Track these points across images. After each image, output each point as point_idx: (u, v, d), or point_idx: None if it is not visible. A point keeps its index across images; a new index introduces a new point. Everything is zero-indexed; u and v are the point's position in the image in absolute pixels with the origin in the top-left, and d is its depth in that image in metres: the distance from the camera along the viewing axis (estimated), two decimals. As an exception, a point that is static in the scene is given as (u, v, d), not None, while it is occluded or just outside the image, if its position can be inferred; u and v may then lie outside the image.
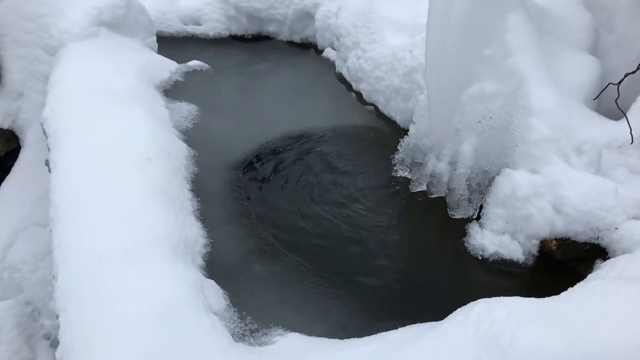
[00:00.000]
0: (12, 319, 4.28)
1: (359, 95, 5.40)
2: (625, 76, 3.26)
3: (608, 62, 3.59)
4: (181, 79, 5.08)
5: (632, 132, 3.20)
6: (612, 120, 3.35)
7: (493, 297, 2.31)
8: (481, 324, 2.14)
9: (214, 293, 2.70)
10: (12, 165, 4.94)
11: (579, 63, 3.49)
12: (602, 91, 3.43)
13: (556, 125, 3.23)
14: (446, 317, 2.37)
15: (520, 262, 3.23)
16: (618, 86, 3.29)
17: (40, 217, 4.44)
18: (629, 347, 1.96)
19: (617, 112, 3.32)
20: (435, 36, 3.54)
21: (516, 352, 1.98)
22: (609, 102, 3.39)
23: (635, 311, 2.10)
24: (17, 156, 4.98)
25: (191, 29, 6.95)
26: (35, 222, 4.63)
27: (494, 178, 3.44)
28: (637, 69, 3.23)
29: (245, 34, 7.08)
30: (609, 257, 2.98)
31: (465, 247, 3.40)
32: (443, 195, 3.77)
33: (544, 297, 2.36)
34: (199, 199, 3.47)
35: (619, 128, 3.28)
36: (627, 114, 3.27)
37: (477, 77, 3.48)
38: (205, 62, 5.59)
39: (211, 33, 6.96)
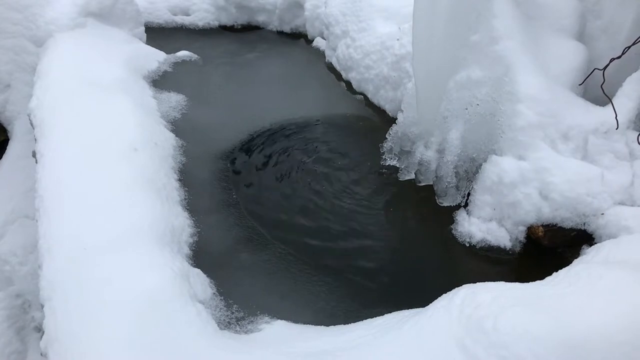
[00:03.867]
0: (3, 311, 4.27)
1: (348, 84, 5.40)
2: (611, 61, 3.26)
3: (594, 48, 3.58)
4: (170, 70, 5.05)
5: (618, 118, 3.20)
6: (598, 106, 3.35)
7: (478, 282, 2.33)
8: (465, 308, 2.15)
9: (200, 282, 2.70)
10: (0, 158, 4.91)
11: (566, 49, 3.48)
12: (588, 76, 3.42)
13: (543, 111, 3.22)
14: (432, 303, 2.38)
15: (508, 248, 3.24)
16: (603, 71, 3.29)
17: (29, 209, 4.42)
18: (612, 330, 1.97)
19: (603, 98, 3.32)
20: (422, 23, 3.52)
21: (499, 336, 1.99)
22: (595, 88, 3.39)
23: (619, 294, 2.11)
24: (5, 148, 4.96)
25: (180, 19, 6.92)
26: (24, 215, 4.61)
27: (481, 165, 3.44)
28: (622, 54, 3.23)
29: (235, 24, 7.05)
30: (596, 243, 2.98)
31: (452, 234, 3.41)
32: (431, 183, 3.77)
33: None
34: (187, 188, 3.46)
35: (605, 114, 3.27)
36: (612, 100, 3.27)
37: (464, 63, 3.48)
38: (194, 53, 5.56)
39: (200, 23, 6.93)
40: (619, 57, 3.24)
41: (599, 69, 3.33)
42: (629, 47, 3.23)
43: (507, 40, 3.33)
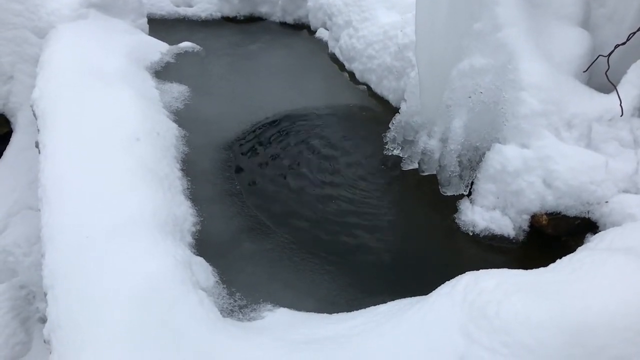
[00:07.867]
0: (7, 302, 4.29)
1: (351, 75, 5.39)
2: (615, 47, 3.23)
3: (599, 36, 3.55)
4: (172, 61, 5.04)
5: (622, 105, 3.17)
6: (602, 94, 3.32)
7: (481, 270, 2.31)
8: (468, 294, 2.14)
9: (203, 270, 2.70)
10: (3, 150, 4.93)
11: (570, 36, 3.45)
12: (592, 63, 3.39)
13: (546, 99, 3.20)
14: (435, 291, 2.37)
15: (511, 237, 3.22)
16: (608, 58, 3.25)
17: (33, 200, 4.43)
18: (615, 316, 1.96)
19: (607, 85, 3.29)
20: (425, 11, 3.51)
21: (502, 322, 1.98)
22: (599, 76, 3.36)
23: (622, 280, 2.10)
24: (9, 140, 4.97)
25: (183, 10, 6.90)
26: (27, 206, 4.63)
27: (485, 154, 3.42)
28: (627, 40, 3.20)
29: (238, 15, 7.03)
30: (600, 231, 2.96)
31: (456, 223, 3.40)
32: (434, 172, 3.76)
33: (534, 270, 2.36)
34: (189, 178, 3.46)
35: (609, 101, 3.25)
36: (617, 87, 3.24)
37: (467, 52, 3.45)
38: (197, 44, 5.54)
39: (203, 15, 6.91)
40: (623, 44, 3.21)
41: (603, 56, 3.30)
42: (634, 33, 3.20)
43: (510, 28, 3.30)
